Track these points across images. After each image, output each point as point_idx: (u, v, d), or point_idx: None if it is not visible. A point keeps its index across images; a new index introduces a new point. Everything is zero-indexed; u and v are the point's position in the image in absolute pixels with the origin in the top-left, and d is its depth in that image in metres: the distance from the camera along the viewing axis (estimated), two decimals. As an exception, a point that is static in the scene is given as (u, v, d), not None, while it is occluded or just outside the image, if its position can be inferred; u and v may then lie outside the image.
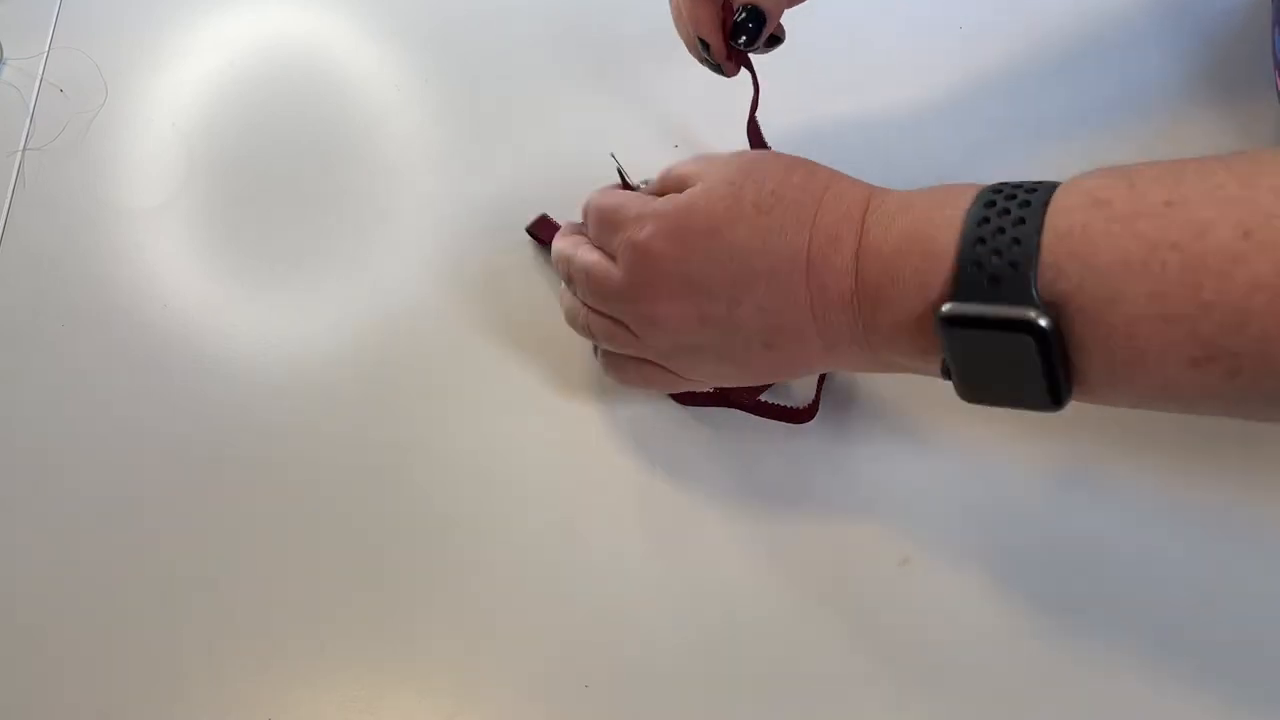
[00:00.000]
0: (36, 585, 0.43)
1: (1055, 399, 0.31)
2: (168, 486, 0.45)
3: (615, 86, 0.56)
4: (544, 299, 0.49)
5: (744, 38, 0.43)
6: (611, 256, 0.39)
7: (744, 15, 0.42)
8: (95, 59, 0.58)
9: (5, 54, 0.59)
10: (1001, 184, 0.33)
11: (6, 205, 0.53)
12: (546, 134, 0.54)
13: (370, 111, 0.56)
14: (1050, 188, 0.31)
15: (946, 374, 0.33)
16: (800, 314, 0.36)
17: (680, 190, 0.38)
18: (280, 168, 0.54)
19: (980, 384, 0.33)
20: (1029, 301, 0.30)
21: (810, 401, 0.44)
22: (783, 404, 0.44)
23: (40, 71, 0.58)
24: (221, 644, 0.41)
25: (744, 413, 0.45)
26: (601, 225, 0.40)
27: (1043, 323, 0.30)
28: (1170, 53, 0.54)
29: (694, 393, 0.45)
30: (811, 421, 0.44)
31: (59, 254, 0.51)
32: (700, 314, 0.37)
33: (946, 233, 0.32)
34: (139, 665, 0.41)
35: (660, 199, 0.38)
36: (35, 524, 0.44)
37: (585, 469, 0.44)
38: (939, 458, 0.43)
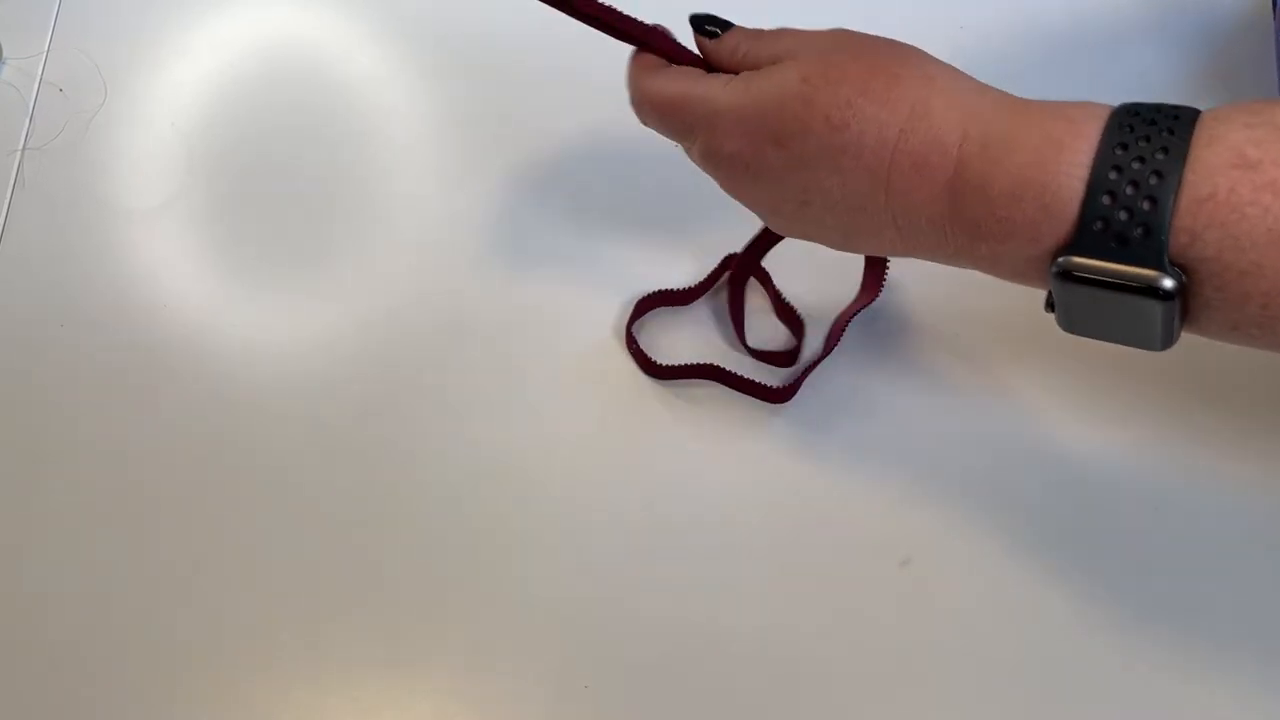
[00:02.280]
0: (36, 585, 0.43)
1: (1165, 344, 0.30)
2: (167, 486, 0.45)
3: (615, 85, 0.56)
4: (544, 298, 0.49)
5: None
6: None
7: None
8: (95, 59, 0.58)
9: (5, 54, 0.59)
10: (1131, 113, 0.30)
11: (6, 205, 0.53)
12: (547, 133, 0.54)
13: (370, 112, 0.56)
14: (1188, 128, 0.29)
15: (1050, 307, 0.32)
16: (880, 223, 0.34)
17: (755, 67, 0.36)
18: (280, 168, 0.54)
19: (1087, 324, 0.31)
20: (1158, 265, 0.28)
21: (791, 381, 0.44)
22: (765, 383, 0.44)
23: (40, 71, 0.58)
24: (221, 644, 0.41)
25: (745, 410, 0.45)
26: (665, 119, 0.38)
27: (1169, 285, 0.28)
28: (1171, 51, 0.54)
29: (673, 366, 0.45)
30: (789, 404, 0.44)
31: (59, 254, 0.51)
32: (773, 207, 0.37)
33: (1068, 182, 0.29)
34: (139, 665, 0.41)
35: (728, 90, 0.35)
36: (35, 524, 0.44)
37: (585, 469, 0.44)
38: (940, 458, 0.43)
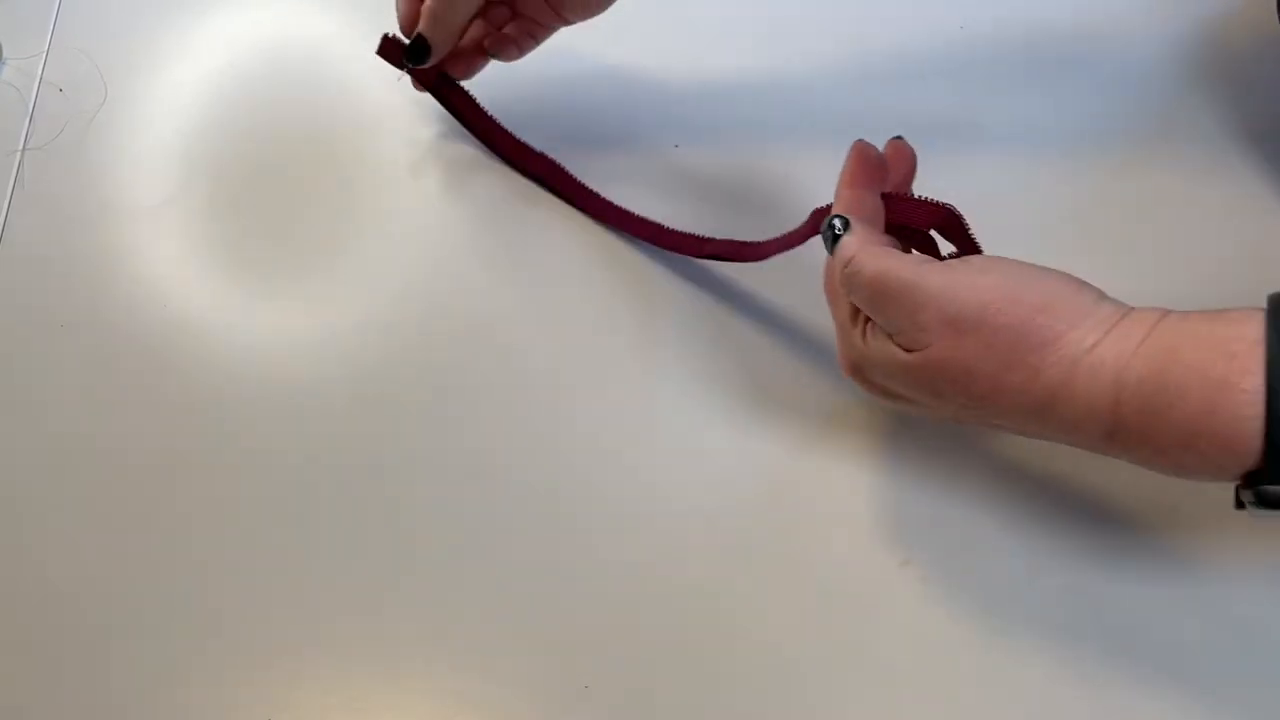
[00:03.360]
0: (36, 586, 0.43)
1: None
2: (167, 486, 0.45)
3: (615, 84, 0.56)
4: (544, 299, 0.49)
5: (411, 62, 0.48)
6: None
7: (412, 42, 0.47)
8: (95, 59, 0.58)
9: (5, 54, 0.59)
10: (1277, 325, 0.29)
11: (6, 205, 0.53)
12: (547, 132, 0.54)
13: (370, 111, 0.56)
14: None
15: (1240, 506, 0.31)
16: (1052, 438, 0.35)
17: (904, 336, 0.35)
18: (280, 168, 0.54)
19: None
20: None
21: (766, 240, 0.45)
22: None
23: (40, 71, 0.58)
24: (221, 644, 0.41)
25: (746, 410, 0.45)
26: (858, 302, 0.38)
27: None
28: (1171, 51, 0.54)
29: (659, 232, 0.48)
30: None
31: (59, 254, 0.51)
32: (942, 420, 0.39)
33: (1244, 424, 0.29)
34: (139, 665, 0.41)
35: (877, 354, 0.36)
36: (34, 524, 0.44)
37: (584, 468, 0.44)
38: (940, 458, 0.43)
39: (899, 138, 0.42)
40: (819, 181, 0.51)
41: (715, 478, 0.44)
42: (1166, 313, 0.33)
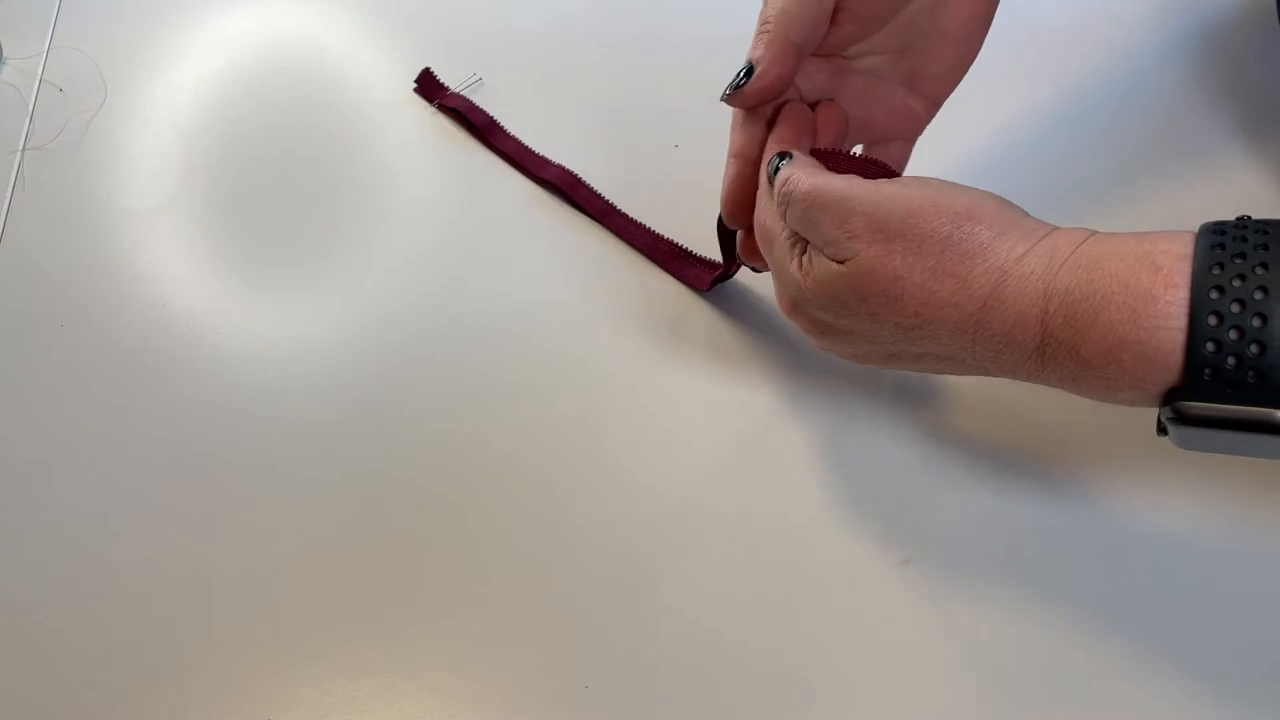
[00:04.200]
0: (35, 586, 0.43)
1: None
2: (167, 486, 0.45)
3: (615, 84, 0.56)
4: (544, 298, 0.49)
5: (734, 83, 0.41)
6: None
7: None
8: (95, 59, 0.58)
9: (5, 54, 0.59)
10: (1216, 239, 0.29)
11: (6, 205, 0.53)
12: (548, 132, 0.54)
13: (370, 111, 0.56)
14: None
15: (1162, 431, 0.31)
16: (978, 369, 0.35)
17: (832, 251, 0.36)
18: (280, 168, 0.54)
19: (1206, 449, 0.31)
20: (1273, 403, 0.28)
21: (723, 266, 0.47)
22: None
23: (40, 71, 0.58)
24: (221, 644, 0.41)
25: (747, 410, 0.45)
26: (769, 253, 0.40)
27: None
28: (1171, 51, 0.54)
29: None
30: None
31: (59, 254, 0.51)
32: (862, 357, 0.39)
33: (1166, 335, 0.29)
34: (139, 665, 0.41)
35: (810, 280, 0.37)
36: (34, 524, 0.44)
37: (584, 468, 0.44)
38: (940, 457, 0.43)
39: (831, 100, 0.42)
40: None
41: (716, 478, 0.44)
42: (1094, 231, 0.33)
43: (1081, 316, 0.31)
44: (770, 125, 0.41)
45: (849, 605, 0.41)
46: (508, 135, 0.54)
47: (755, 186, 0.41)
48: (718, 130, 0.46)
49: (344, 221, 0.52)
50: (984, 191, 0.35)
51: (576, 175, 0.51)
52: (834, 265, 0.36)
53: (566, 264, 0.50)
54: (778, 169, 0.38)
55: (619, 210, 0.50)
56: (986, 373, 0.35)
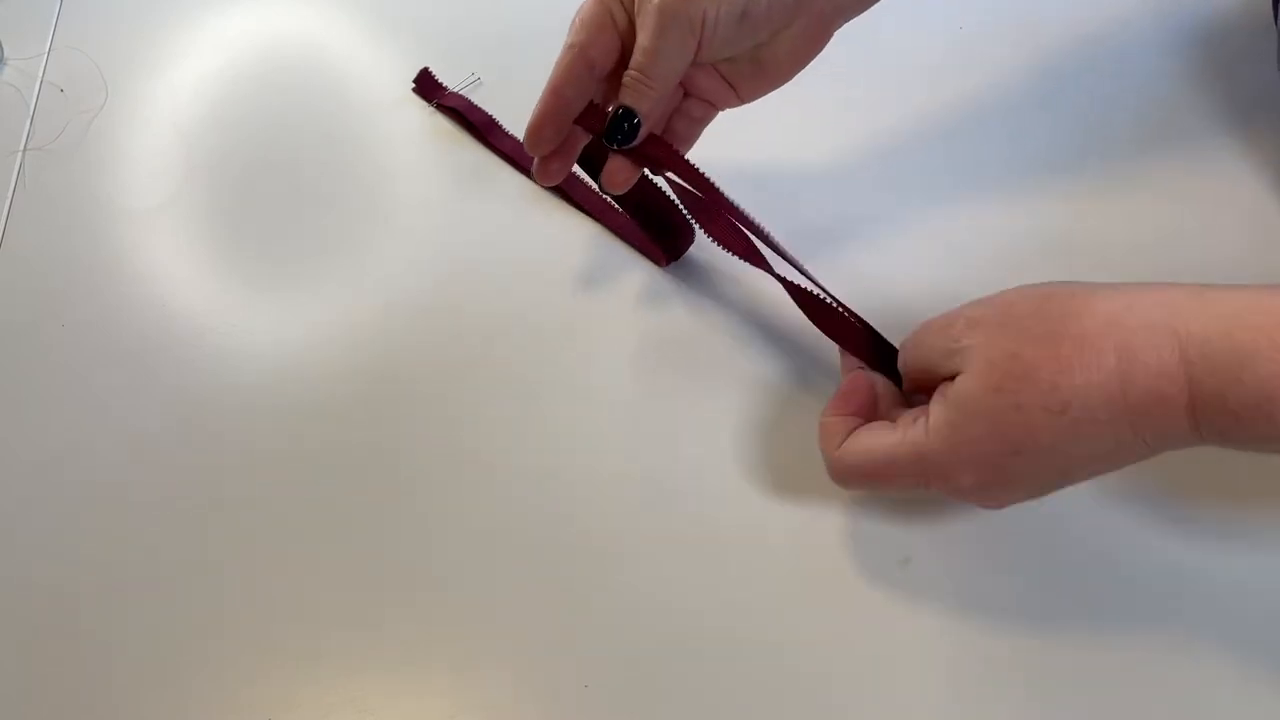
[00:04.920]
0: (35, 586, 0.43)
1: None
2: (166, 486, 0.45)
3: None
4: (543, 299, 0.49)
5: (619, 137, 0.41)
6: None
7: (618, 114, 0.41)
8: (95, 59, 0.58)
9: (5, 54, 0.59)
10: None
11: (6, 205, 0.53)
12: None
13: (369, 111, 0.56)
14: None
15: None
16: (1134, 455, 0.34)
17: (933, 374, 0.36)
18: (279, 167, 0.54)
19: None
20: None
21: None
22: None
23: (40, 71, 0.58)
24: (221, 644, 0.41)
25: (747, 412, 0.45)
26: (884, 487, 0.38)
27: None
28: (1171, 51, 0.54)
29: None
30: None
31: (59, 254, 0.51)
32: (1038, 493, 0.37)
33: None
34: (139, 665, 0.41)
35: (933, 436, 0.35)
36: (34, 524, 0.44)
37: (584, 469, 0.44)
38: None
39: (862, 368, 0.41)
40: (816, 180, 0.51)
41: (716, 478, 0.44)
42: (1177, 283, 0.33)
43: (1226, 369, 0.31)
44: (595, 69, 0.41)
45: (849, 605, 0.40)
46: (506, 134, 0.54)
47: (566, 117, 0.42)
48: (716, 129, 0.47)
49: (343, 221, 0.52)
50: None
51: (574, 173, 0.51)
52: (953, 384, 0.35)
53: (565, 262, 0.50)
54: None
55: (617, 208, 0.50)
56: (1154, 452, 0.34)
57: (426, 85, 0.56)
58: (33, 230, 0.52)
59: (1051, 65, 0.54)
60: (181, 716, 0.40)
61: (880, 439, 0.37)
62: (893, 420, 0.38)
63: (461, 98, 0.55)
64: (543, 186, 0.49)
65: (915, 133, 0.52)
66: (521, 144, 0.53)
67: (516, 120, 0.54)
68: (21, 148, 0.55)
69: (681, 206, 0.44)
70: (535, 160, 0.44)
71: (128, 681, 0.40)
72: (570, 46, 0.41)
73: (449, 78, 0.56)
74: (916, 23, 0.55)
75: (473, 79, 0.56)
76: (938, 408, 0.36)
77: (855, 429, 0.38)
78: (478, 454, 0.45)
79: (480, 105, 0.55)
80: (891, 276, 0.48)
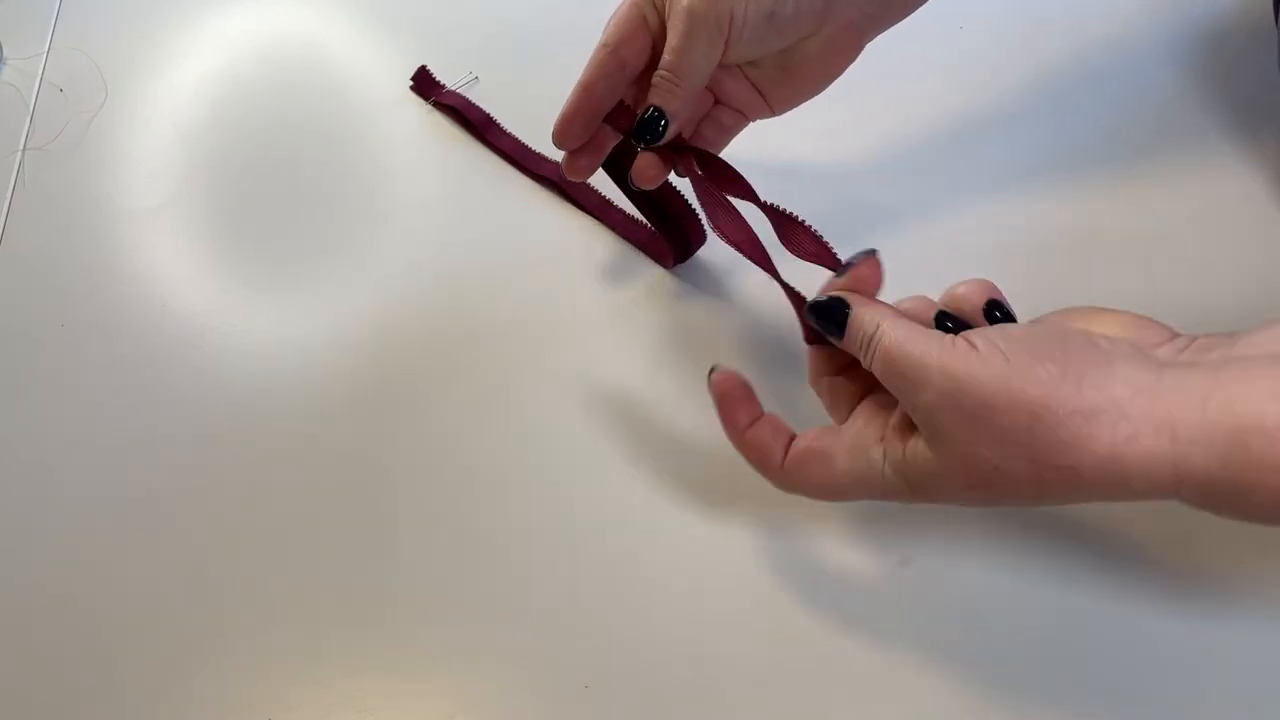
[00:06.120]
0: (35, 586, 0.43)
1: None
2: (166, 486, 0.45)
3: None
4: (543, 299, 0.49)
5: (648, 136, 0.41)
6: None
7: (649, 114, 0.41)
8: (95, 59, 0.58)
9: (5, 54, 0.59)
10: None
11: (6, 205, 0.53)
12: (544, 129, 0.54)
13: (369, 111, 0.56)
14: None
15: None
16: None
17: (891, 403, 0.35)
18: (279, 167, 0.54)
19: None
20: None
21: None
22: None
23: (40, 71, 0.58)
24: (221, 644, 0.41)
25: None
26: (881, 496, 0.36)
27: None
28: (1171, 51, 0.54)
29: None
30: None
31: (59, 254, 0.51)
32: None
33: None
34: (139, 665, 0.41)
35: (887, 477, 0.34)
36: (34, 524, 0.44)
37: (584, 469, 0.44)
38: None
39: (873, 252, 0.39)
40: (816, 180, 0.51)
41: (715, 478, 0.44)
42: (1197, 365, 0.31)
43: (1227, 500, 0.30)
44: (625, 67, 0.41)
45: (849, 605, 0.40)
46: (504, 132, 0.54)
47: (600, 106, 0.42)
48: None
49: (342, 220, 0.52)
50: (1068, 344, 0.32)
51: None
52: (917, 452, 0.33)
53: (564, 261, 0.50)
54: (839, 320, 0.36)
55: (615, 206, 0.50)
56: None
57: (424, 83, 0.56)
58: (32, 230, 0.52)
59: (1052, 65, 0.54)
60: (181, 716, 0.40)
61: (829, 471, 0.36)
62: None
63: (459, 96, 0.55)
64: (570, 180, 0.49)
65: (915, 132, 0.52)
66: (519, 142, 0.53)
67: (514, 118, 0.54)
68: (21, 147, 0.55)
69: (698, 209, 0.44)
70: (564, 155, 0.44)
71: (128, 681, 0.40)
72: (603, 45, 0.41)
73: (446, 76, 0.56)
74: (917, 22, 0.55)
75: (470, 77, 0.56)
76: (897, 459, 0.34)
77: (790, 443, 0.37)
78: (478, 455, 0.45)
79: (478, 103, 0.55)
80: (891, 276, 0.47)
